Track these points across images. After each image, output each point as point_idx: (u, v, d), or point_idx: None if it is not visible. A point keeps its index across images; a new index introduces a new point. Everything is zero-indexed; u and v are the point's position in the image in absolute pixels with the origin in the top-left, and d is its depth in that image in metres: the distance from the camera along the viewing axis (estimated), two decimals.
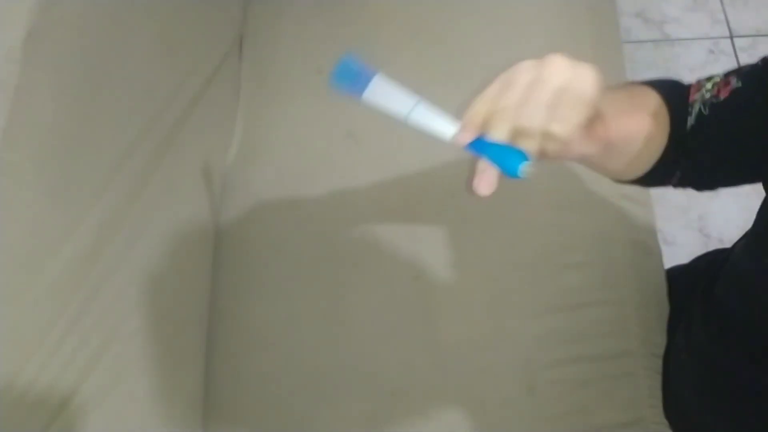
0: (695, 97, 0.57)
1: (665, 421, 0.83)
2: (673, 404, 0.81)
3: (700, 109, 0.56)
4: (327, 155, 1.05)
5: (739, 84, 0.54)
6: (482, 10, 1.13)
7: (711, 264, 0.79)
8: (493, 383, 0.89)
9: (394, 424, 0.88)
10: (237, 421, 0.91)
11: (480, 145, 0.46)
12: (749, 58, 1.62)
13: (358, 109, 1.22)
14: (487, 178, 0.45)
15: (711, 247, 0.86)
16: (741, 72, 0.55)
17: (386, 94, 0.50)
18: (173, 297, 0.89)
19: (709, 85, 0.57)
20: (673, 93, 0.58)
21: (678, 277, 0.91)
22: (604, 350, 0.88)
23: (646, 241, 0.96)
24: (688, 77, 0.62)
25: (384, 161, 1.03)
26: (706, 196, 1.56)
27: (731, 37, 1.66)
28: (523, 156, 0.44)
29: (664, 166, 0.59)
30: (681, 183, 0.61)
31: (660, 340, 0.88)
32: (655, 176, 0.60)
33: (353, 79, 0.50)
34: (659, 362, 0.86)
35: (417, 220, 0.99)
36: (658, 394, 0.84)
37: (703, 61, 1.63)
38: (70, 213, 0.71)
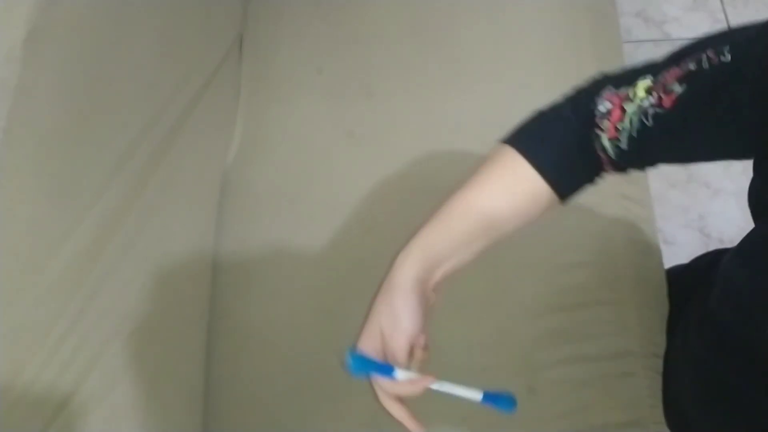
0: (629, 110, 0.54)
1: (665, 421, 0.83)
2: (671, 406, 0.81)
3: (642, 122, 0.53)
4: (327, 155, 1.05)
5: (683, 90, 0.51)
6: (482, 11, 1.13)
7: (711, 264, 0.79)
8: (493, 383, 0.89)
9: (394, 423, 0.88)
10: (237, 421, 0.91)
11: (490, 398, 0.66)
12: None
13: (358, 109, 1.23)
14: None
15: (711, 247, 0.86)
16: (683, 78, 0.51)
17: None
18: (173, 297, 0.89)
19: (642, 93, 0.53)
20: (555, 157, 0.59)
21: (678, 277, 0.91)
22: (604, 350, 0.88)
23: (646, 241, 0.96)
24: None
25: (384, 161, 1.03)
26: (706, 196, 1.56)
27: None
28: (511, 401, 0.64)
29: (581, 182, 0.62)
30: (616, 172, 0.62)
31: (660, 340, 0.88)
32: (577, 189, 0.63)
33: (372, 368, 0.60)
34: (659, 362, 0.86)
35: (417, 220, 0.98)
36: (658, 394, 0.84)
37: None
38: (70, 213, 0.71)
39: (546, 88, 1.06)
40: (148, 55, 0.87)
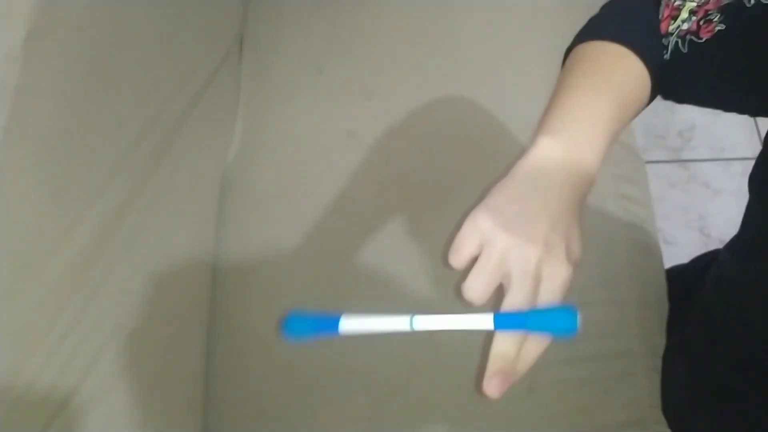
0: (671, 28, 0.51)
1: (665, 421, 0.83)
2: (668, 403, 0.81)
3: (677, 44, 0.51)
4: (327, 155, 1.05)
5: (723, 26, 0.48)
6: (482, 11, 1.13)
7: (711, 264, 0.79)
8: None
9: (394, 423, 0.88)
10: (237, 421, 0.91)
11: (510, 320, 0.43)
12: None
13: (358, 109, 1.23)
14: (497, 383, 0.43)
15: (711, 247, 0.86)
16: (723, 10, 0.49)
17: (366, 323, 0.47)
18: (173, 297, 0.89)
19: (685, 14, 0.51)
20: (649, 43, 0.53)
21: (678, 277, 0.91)
22: (604, 350, 0.88)
23: (646, 241, 0.96)
24: None
25: (384, 161, 1.03)
26: (706, 196, 1.56)
27: None
28: (571, 311, 0.40)
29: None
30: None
31: (660, 340, 0.88)
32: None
33: (313, 327, 0.47)
34: (659, 362, 0.87)
35: (417, 220, 0.99)
36: (659, 394, 0.84)
37: None
38: (70, 213, 0.71)
39: (546, 88, 1.06)
40: (148, 55, 0.87)
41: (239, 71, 1.16)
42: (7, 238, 0.64)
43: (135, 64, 0.84)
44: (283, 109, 1.10)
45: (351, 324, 0.46)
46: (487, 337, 0.47)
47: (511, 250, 0.42)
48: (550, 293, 0.42)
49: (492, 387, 0.42)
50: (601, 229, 0.96)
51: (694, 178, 1.57)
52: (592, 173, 0.46)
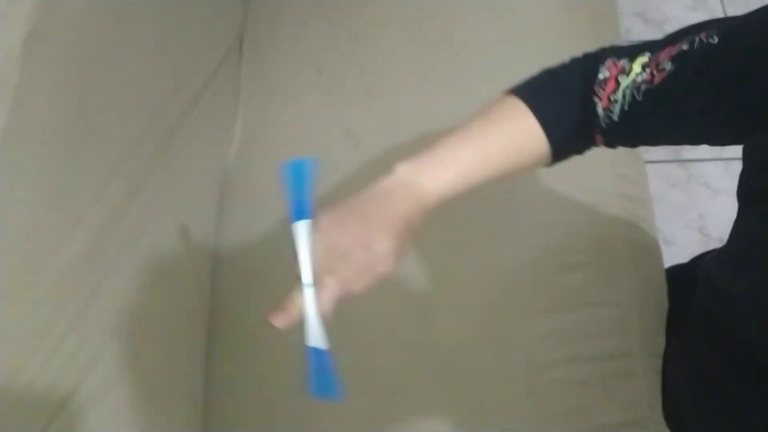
0: (624, 83, 0.56)
1: (665, 421, 0.83)
2: (669, 405, 0.81)
3: (633, 96, 0.55)
4: (327, 155, 1.05)
5: (672, 68, 0.53)
6: (482, 11, 1.13)
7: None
8: (493, 383, 0.89)
9: (394, 424, 0.88)
10: (237, 421, 0.91)
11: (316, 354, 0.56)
12: None
13: (358, 109, 1.23)
14: (285, 318, 0.58)
15: (711, 247, 0.86)
16: (674, 58, 0.54)
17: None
18: (173, 297, 0.89)
19: (638, 69, 0.56)
20: (557, 108, 0.60)
21: (678, 277, 0.91)
22: (604, 350, 0.88)
23: (646, 241, 0.96)
24: None
25: (384, 161, 1.03)
26: (706, 196, 1.56)
27: None
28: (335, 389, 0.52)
29: (574, 147, 0.62)
30: (606, 145, 0.62)
31: (660, 340, 0.88)
32: (569, 153, 0.63)
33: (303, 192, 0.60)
34: (659, 362, 0.87)
35: None
36: (658, 394, 0.84)
37: None
38: (70, 213, 0.71)
39: None
40: (148, 55, 0.87)
41: (239, 71, 1.16)
42: (7, 239, 0.64)
43: (135, 64, 0.84)
44: (283, 108, 1.10)
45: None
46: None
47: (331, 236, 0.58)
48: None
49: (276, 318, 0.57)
50: (601, 229, 0.96)
51: (694, 178, 1.57)
52: (429, 198, 0.58)
